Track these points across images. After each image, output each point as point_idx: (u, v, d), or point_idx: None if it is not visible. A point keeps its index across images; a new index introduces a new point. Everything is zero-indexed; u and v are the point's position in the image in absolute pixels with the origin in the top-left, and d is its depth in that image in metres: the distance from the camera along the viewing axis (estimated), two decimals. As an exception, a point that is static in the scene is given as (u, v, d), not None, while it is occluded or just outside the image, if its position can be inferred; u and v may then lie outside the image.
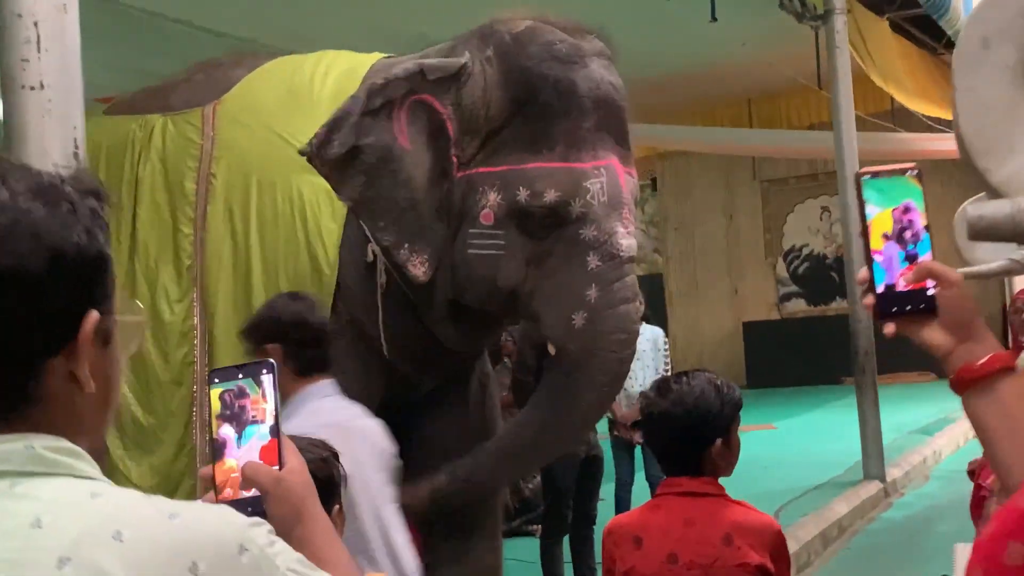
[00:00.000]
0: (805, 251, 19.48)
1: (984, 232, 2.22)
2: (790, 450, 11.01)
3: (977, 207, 2.36)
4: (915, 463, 10.28)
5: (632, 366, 6.01)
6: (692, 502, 2.57)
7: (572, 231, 3.61)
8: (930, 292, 1.35)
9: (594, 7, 4.23)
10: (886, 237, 1.36)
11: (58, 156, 2.79)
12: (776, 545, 2.60)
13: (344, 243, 3.90)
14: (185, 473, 4.18)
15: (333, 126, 3.64)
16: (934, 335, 1.35)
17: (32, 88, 2.77)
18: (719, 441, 2.53)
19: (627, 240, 3.66)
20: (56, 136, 2.79)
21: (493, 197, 3.63)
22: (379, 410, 3.40)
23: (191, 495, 3.18)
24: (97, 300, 0.98)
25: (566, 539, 5.93)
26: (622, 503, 6.67)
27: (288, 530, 1.19)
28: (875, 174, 1.38)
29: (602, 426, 6.08)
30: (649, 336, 7.03)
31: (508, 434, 4.06)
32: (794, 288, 19.61)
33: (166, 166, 4.29)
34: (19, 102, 2.78)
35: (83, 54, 2.86)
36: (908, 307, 1.36)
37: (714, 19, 9.49)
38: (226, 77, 4.33)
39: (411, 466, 3.93)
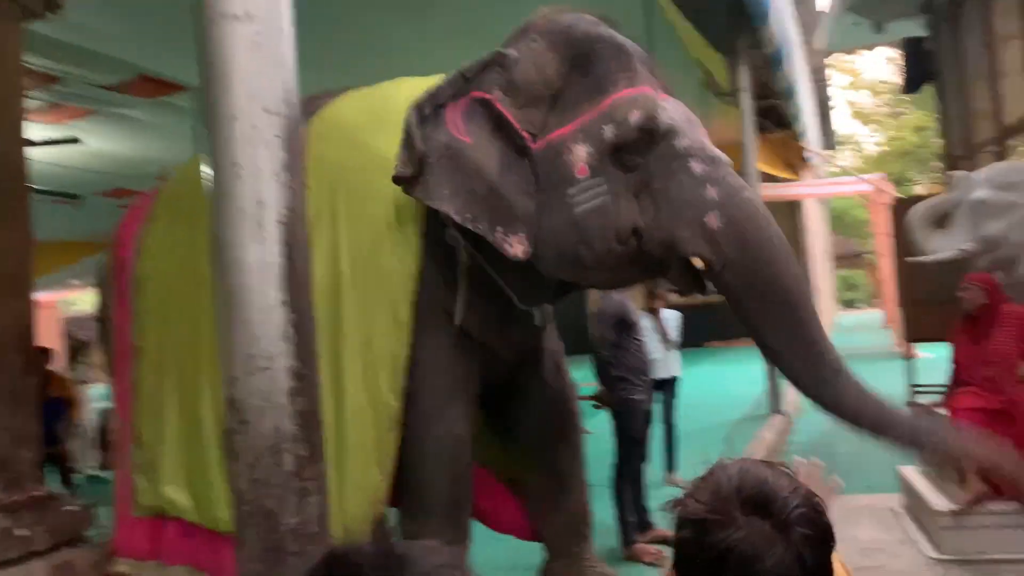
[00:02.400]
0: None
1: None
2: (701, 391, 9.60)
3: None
4: (791, 399, 9.09)
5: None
6: None
7: (665, 147, 2.37)
8: None
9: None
10: None
11: (270, 101, 1.42)
12: None
13: (427, 235, 2.65)
14: None
15: (402, 148, 2.49)
16: None
17: (236, 17, 1.39)
18: None
19: (718, 151, 2.44)
20: (266, 76, 1.41)
21: (580, 150, 2.40)
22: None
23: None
24: None
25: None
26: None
27: None
28: None
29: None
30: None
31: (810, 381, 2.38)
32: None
33: None
34: (221, 34, 1.40)
35: None
36: None
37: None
38: (318, 104, 3.00)
39: (503, 439, 3.19)
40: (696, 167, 2.34)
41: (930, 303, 8.27)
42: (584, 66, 2.47)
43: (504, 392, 3.13)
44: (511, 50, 2.55)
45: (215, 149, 1.41)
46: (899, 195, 13.70)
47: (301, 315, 1.41)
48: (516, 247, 2.42)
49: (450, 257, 2.66)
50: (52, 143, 8.57)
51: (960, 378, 4.36)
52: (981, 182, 4.44)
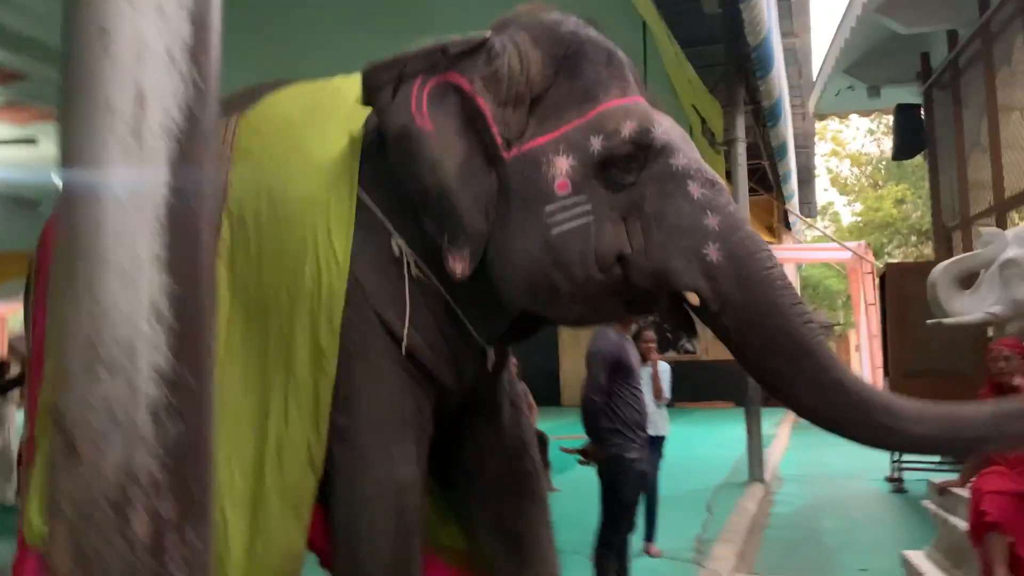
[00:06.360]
0: (653, 319, 18.10)
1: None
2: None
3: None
4: (771, 466, 8.59)
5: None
6: None
7: (661, 165, 1.98)
8: None
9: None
10: None
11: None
12: None
13: (361, 240, 2.14)
14: None
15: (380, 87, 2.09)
16: None
17: None
18: None
19: (715, 173, 2.06)
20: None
21: (562, 163, 1.98)
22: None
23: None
24: None
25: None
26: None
27: None
28: None
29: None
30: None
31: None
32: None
33: None
34: None
35: None
36: None
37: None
38: (258, 93, 2.52)
39: (450, 486, 2.57)
40: (695, 190, 1.96)
41: (918, 374, 7.87)
42: (571, 68, 2.05)
43: (446, 441, 2.53)
44: (495, 40, 2.09)
45: (70, 8, 0.88)
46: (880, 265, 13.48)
47: (189, 287, 0.86)
48: (456, 264, 2.01)
49: (392, 271, 2.18)
50: (6, 143, 7.97)
51: (986, 456, 3.87)
52: (1011, 240, 4.03)
